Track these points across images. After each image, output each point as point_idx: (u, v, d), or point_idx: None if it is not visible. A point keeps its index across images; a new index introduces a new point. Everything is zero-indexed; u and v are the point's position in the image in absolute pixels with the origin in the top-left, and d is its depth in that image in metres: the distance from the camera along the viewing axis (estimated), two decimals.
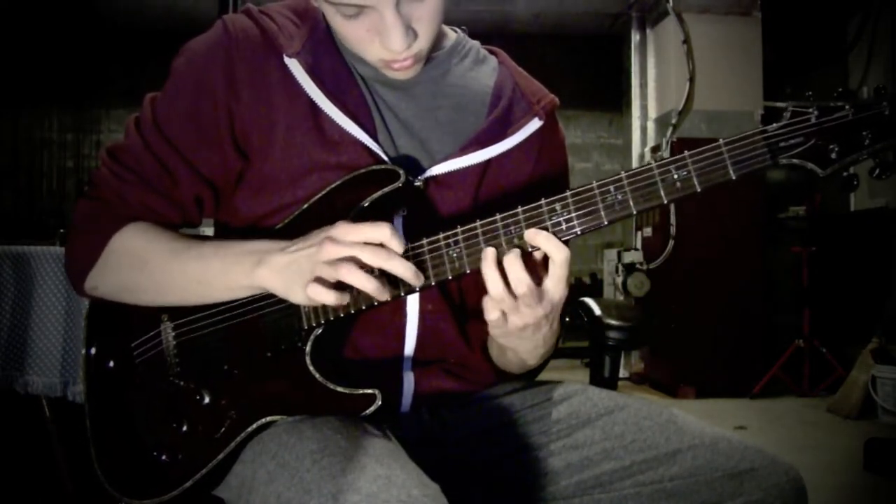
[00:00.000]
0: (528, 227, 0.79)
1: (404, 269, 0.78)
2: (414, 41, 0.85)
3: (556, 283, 0.80)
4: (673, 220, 4.56)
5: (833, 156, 0.76)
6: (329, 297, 0.77)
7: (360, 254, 0.76)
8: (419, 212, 0.89)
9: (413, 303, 0.91)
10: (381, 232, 0.77)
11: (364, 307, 0.82)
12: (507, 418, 0.94)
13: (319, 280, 0.78)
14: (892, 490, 2.80)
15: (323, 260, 0.77)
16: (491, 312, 0.81)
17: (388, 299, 0.80)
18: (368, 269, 0.78)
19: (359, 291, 0.79)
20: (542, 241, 0.78)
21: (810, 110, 0.76)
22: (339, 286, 0.78)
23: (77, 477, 1.76)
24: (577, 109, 6.77)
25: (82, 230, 0.92)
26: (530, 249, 0.79)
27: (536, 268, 0.80)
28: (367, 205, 0.84)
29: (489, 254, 0.78)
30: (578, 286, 6.15)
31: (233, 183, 0.93)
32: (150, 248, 0.89)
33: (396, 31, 0.82)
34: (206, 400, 0.89)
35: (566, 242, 0.80)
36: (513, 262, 0.78)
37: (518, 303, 0.79)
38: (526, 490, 0.89)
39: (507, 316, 0.81)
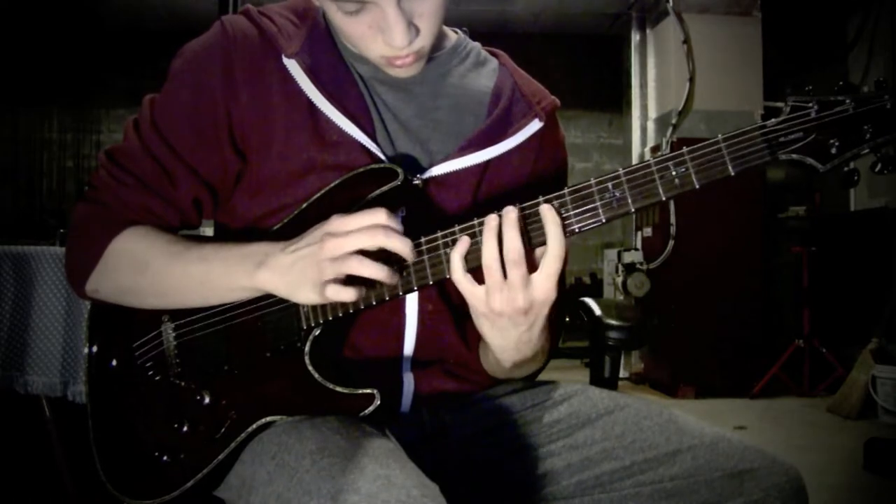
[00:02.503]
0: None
1: (403, 245, 0.77)
2: (416, 38, 0.84)
3: (545, 279, 0.78)
4: (673, 219, 4.56)
5: (833, 151, 0.75)
6: (349, 294, 0.77)
7: (360, 241, 0.76)
8: (418, 212, 0.89)
9: (412, 303, 0.91)
10: (376, 215, 0.77)
11: (363, 306, 0.82)
12: (507, 418, 0.94)
13: (332, 280, 0.78)
14: (892, 490, 2.80)
15: (326, 257, 0.77)
16: (470, 286, 0.79)
17: (398, 289, 0.80)
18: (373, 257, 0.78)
19: (370, 282, 0.79)
20: (551, 224, 0.78)
21: (810, 105, 0.75)
22: (351, 281, 0.78)
23: (77, 477, 1.76)
24: (577, 109, 6.76)
25: (82, 233, 0.92)
26: (531, 245, 0.79)
27: (532, 258, 0.80)
28: (365, 204, 0.84)
29: (491, 220, 0.78)
30: (578, 286, 6.15)
31: (231, 184, 0.93)
32: (151, 250, 0.89)
33: (398, 27, 0.82)
34: (207, 400, 0.89)
35: None
36: (510, 227, 0.77)
37: (504, 282, 0.78)
38: (526, 490, 0.88)
39: (489, 294, 0.79)
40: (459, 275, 0.79)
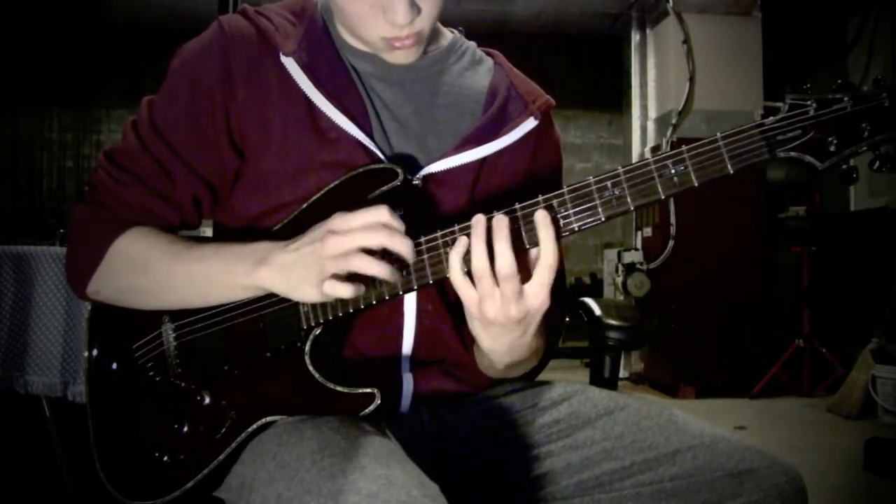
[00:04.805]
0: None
1: (404, 245, 0.77)
2: (417, 17, 0.85)
3: (538, 288, 0.78)
4: (673, 219, 4.56)
5: (832, 148, 0.74)
6: (347, 291, 0.77)
7: (363, 238, 0.76)
8: (416, 210, 0.89)
9: (411, 302, 0.91)
10: (379, 214, 0.77)
11: (363, 306, 0.82)
12: (507, 418, 0.94)
13: (333, 276, 0.78)
14: (892, 490, 2.80)
15: (329, 255, 0.77)
16: (467, 289, 0.78)
17: (397, 288, 0.80)
18: (375, 255, 0.78)
19: (371, 281, 0.79)
20: (543, 231, 0.77)
21: (808, 103, 0.75)
22: (352, 278, 0.78)
23: (77, 477, 1.76)
24: (576, 109, 6.76)
25: (82, 235, 0.92)
26: (528, 247, 0.79)
27: (526, 265, 0.79)
28: (365, 204, 0.84)
29: (479, 224, 0.77)
30: (578, 286, 6.15)
31: (230, 183, 0.93)
32: (152, 250, 0.89)
33: (402, 4, 0.82)
34: (207, 400, 0.89)
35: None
36: (501, 239, 0.76)
37: (495, 289, 0.77)
38: (526, 490, 0.88)
39: (482, 302, 0.79)
40: (458, 276, 0.78)
